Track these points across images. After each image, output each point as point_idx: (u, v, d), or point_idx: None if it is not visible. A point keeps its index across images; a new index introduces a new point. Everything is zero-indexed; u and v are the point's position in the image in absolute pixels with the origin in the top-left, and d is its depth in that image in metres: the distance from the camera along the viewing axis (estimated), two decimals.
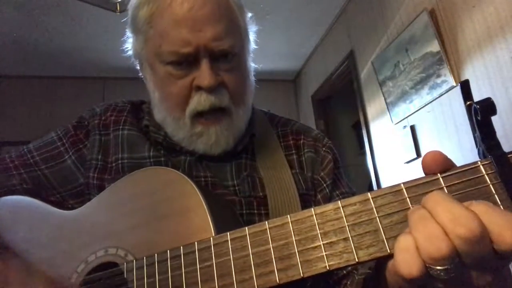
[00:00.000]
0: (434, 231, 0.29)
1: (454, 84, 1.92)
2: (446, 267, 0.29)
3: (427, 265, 0.30)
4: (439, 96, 2.04)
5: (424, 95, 2.15)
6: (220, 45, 0.58)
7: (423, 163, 0.36)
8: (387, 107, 2.52)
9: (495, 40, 1.71)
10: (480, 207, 0.30)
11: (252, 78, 0.69)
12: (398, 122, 2.43)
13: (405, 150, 2.36)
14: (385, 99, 2.54)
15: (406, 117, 2.35)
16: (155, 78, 0.62)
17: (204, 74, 0.57)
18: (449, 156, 0.36)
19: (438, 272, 0.29)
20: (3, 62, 3.23)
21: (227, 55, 0.60)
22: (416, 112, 2.25)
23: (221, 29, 0.58)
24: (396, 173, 2.52)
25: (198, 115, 0.60)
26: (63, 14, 2.76)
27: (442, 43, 2.00)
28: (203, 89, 0.58)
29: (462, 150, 1.87)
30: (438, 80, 2.03)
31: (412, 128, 2.30)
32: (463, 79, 1.90)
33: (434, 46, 2.04)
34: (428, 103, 2.14)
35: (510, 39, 1.64)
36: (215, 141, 0.61)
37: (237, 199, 0.61)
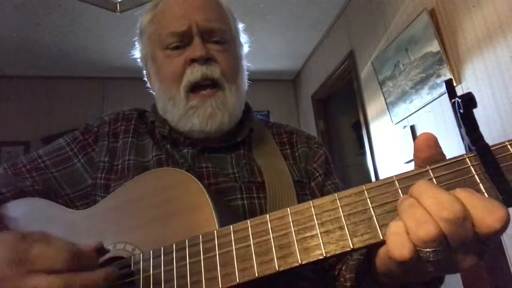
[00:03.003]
0: (421, 216, 0.32)
1: (454, 84, 1.92)
2: (434, 249, 0.31)
3: (417, 248, 0.32)
4: (439, 96, 2.05)
5: (424, 95, 2.15)
6: (210, 25, 0.67)
7: (415, 144, 0.38)
8: (387, 107, 2.53)
9: (495, 40, 1.72)
10: (463, 193, 0.32)
11: (245, 76, 0.75)
12: (398, 122, 2.43)
13: (405, 150, 2.37)
14: (385, 99, 2.54)
15: (406, 117, 2.35)
16: (156, 67, 0.70)
17: (196, 47, 0.65)
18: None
19: (428, 254, 0.32)
20: (3, 62, 3.23)
21: (218, 40, 0.68)
22: (416, 112, 2.25)
23: (212, 15, 0.68)
24: (396, 173, 2.52)
25: (193, 90, 0.65)
26: (63, 14, 2.77)
27: (442, 43, 2.01)
28: (196, 61, 0.65)
29: (462, 149, 1.87)
30: (438, 80, 2.04)
31: (412, 128, 2.31)
32: (463, 79, 1.90)
33: (434, 46, 2.04)
34: (428, 103, 2.14)
35: (510, 39, 1.64)
36: (210, 114, 0.65)
37: (237, 185, 0.64)
